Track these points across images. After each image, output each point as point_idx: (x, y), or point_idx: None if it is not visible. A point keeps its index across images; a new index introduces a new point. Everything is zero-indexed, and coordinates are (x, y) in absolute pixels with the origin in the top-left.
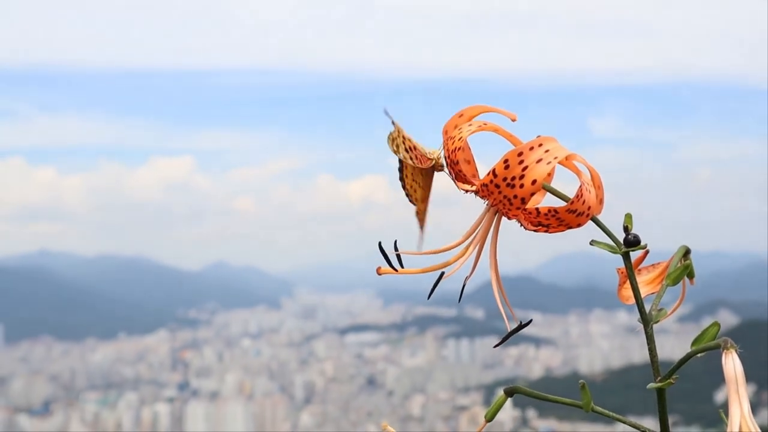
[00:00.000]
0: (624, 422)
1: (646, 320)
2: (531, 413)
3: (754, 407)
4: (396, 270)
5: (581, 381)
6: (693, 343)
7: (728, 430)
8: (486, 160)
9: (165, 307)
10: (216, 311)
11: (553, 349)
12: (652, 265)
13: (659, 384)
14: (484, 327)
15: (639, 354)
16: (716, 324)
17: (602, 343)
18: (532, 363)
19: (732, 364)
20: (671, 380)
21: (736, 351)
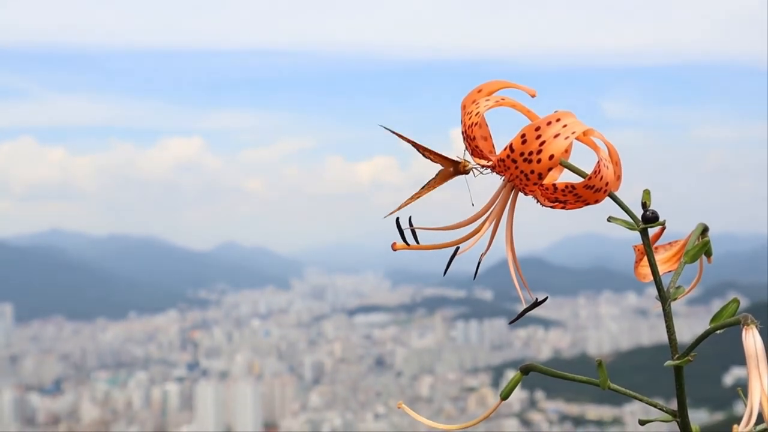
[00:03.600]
0: (641, 400)
1: (664, 298)
2: (539, 395)
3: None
4: (410, 245)
5: (598, 359)
6: (712, 320)
7: (748, 406)
8: (504, 137)
9: (175, 287)
10: (225, 291)
11: (561, 330)
12: (669, 243)
13: (677, 362)
14: (492, 308)
15: (647, 336)
16: (736, 300)
17: (611, 325)
18: (541, 344)
19: (753, 340)
20: (689, 358)
21: (756, 327)
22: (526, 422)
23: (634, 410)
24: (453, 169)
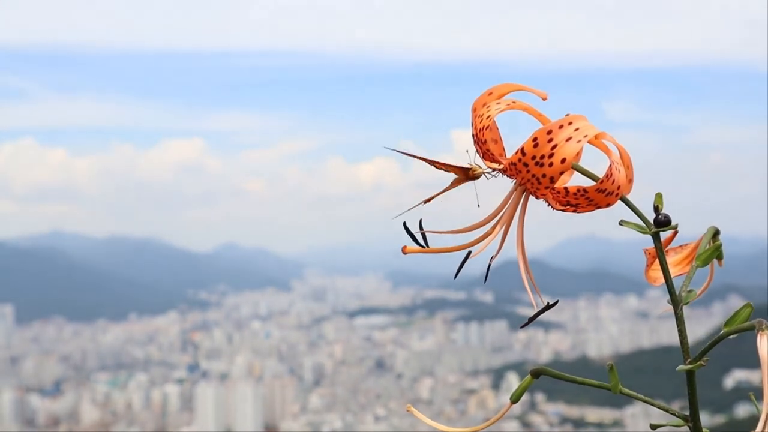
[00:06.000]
0: (653, 404)
1: (676, 301)
2: (540, 397)
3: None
4: (423, 249)
5: (610, 363)
6: (725, 325)
7: (764, 411)
8: (515, 140)
9: (175, 289)
10: (226, 293)
11: (562, 333)
12: (680, 246)
13: (689, 366)
14: (493, 311)
15: (648, 339)
16: (749, 305)
17: (611, 328)
18: (541, 347)
19: (767, 345)
20: (702, 362)
21: None
22: (526, 424)
23: (635, 413)
24: (463, 175)
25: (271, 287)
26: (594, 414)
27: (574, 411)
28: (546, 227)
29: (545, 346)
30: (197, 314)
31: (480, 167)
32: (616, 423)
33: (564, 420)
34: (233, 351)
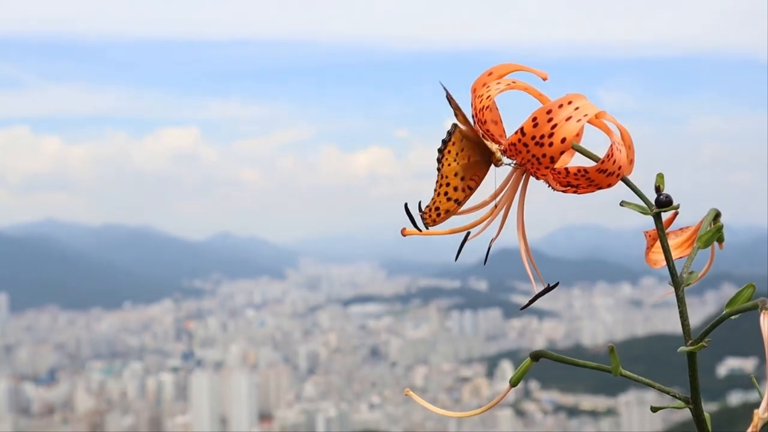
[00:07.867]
0: (653, 386)
1: (677, 283)
2: (534, 385)
3: (758, 380)
4: (421, 231)
5: (610, 344)
6: (727, 305)
7: (767, 391)
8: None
9: (170, 277)
10: (220, 281)
11: (556, 321)
12: (680, 229)
13: (690, 348)
14: (487, 299)
15: (642, 327)
16: (751, 285)
17: (605, 316)
18: (535, 335)
19: None
20: (703, 343)
21: None
22: (520, 412)
23: (629, 401)
24: (485, 159)
25: (265, 276)
26: (588, 402)
27: (568, 399)
28: (540, 216)
29: (539, 334)
30: (192, 303)
31: (501, 155)
32: (610, 411)
33: (558, 408)
34: (228, 339)
